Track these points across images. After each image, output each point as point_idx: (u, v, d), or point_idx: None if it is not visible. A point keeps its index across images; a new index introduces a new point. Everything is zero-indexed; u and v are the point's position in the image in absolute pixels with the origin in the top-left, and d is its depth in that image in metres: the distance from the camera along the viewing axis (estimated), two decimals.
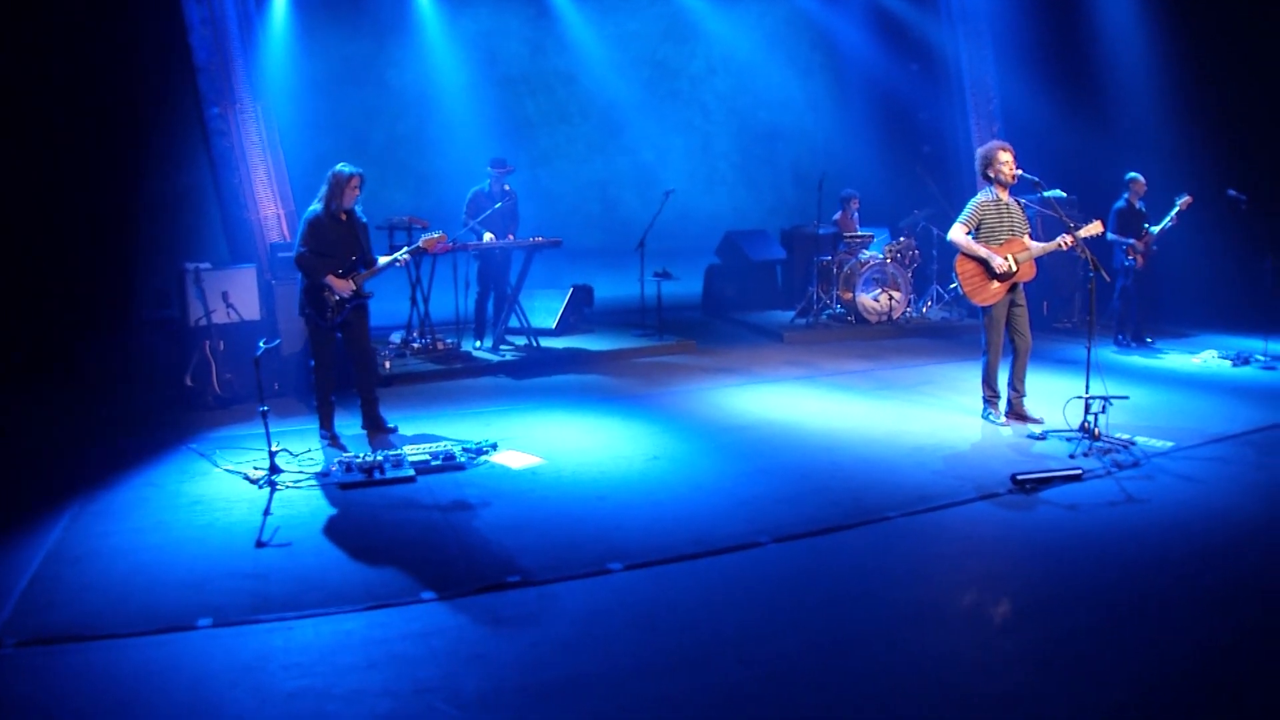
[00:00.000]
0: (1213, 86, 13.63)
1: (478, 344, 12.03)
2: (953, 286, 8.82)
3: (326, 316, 8.18)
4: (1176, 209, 11.72)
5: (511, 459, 7.90)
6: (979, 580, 5.79)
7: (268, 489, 7.10)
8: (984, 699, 4.41)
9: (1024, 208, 8.73)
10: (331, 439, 8.39)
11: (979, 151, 8.66)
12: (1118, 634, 5.01)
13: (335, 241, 8.18)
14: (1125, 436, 7.98)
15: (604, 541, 6.20)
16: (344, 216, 8.24)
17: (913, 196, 14.94)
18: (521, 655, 4.80)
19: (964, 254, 8.54)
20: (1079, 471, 7.24)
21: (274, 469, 7.31)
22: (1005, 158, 8.44)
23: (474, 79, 16.20)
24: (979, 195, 8.64)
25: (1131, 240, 11.91)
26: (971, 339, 12.78)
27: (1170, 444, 7.96)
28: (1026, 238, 8.56)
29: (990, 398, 8.78)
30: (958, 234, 8.55)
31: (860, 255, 13.46)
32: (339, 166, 8.20)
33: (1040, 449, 7.98)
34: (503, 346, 11.93)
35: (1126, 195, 12.02)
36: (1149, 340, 12.39)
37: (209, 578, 5.66)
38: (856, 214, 14.38)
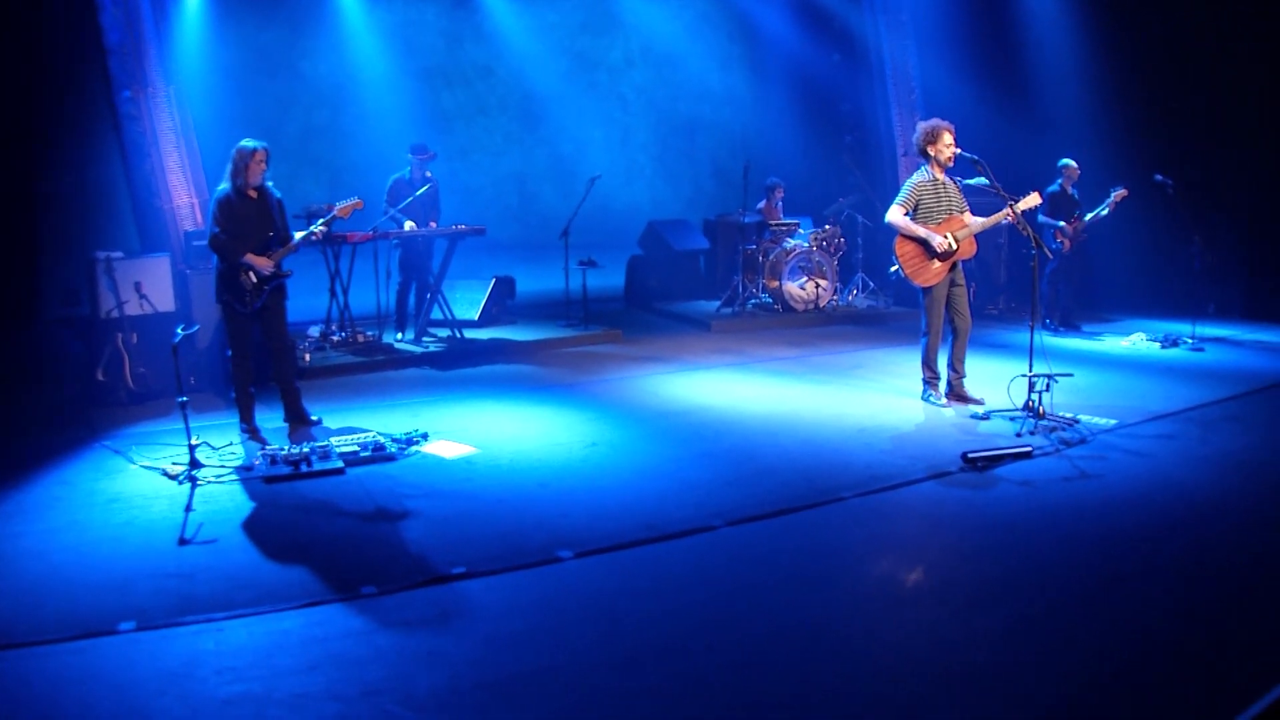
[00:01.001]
0: (1136, 74, 13.72)
1: (399, 336, 11.54)
2: (893, 270, 8.59)
3: (245, 301, 7.68)
4: (1111, 200, 11.69)
5: (444, 449, 7.49)
6: (943, 557, 5.57)
7: (188, 485, 6.60)
8: (960, 676, 4.18)
9: (959, 185, 8.55)
10: (252, 432, 7.88)
11: (921, 127, 8.43)
12: (1092, 606, 4.84)
13: (247, 220, 7.70)
14: (1069, 415, 7.86)
15: (549, 530, 5.84)
16: (254, 194, 7.76)
17: (836, 185, 14.79)
18: (475, 650, 4.42)
19: (903, 235, 8.34)
20: (1029, 449, 7.09)
21: (194, 464, 6.80)
22: (949, 139, 8.26)
23: (390, 70, 15.66)
24: (915, 176, 8.45)
25: (1061, 224, 11.89)
26: (899, 326, 12.75)
27: (1114, 421, 7.87)
28: (966, 214, 8.39)
29: (930, 379, 8.60)
30: (896, 215, 8.34)
31: (785, 244, 13.24)
32: (242, 142, 7.73)
33: (985, 428, 7.82)
34: (425, 338, 11.46)
35: (1060, 180, 12.02)
36: (1077, 324, 12.39)
37: (130, 579, 5.17)
38: (781, 203, 14.17)
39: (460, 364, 10.67)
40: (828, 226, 13.50)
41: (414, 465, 7.11)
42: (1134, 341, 11.47)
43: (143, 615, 4.73)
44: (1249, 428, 7.93)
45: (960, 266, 8.44)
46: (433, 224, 11.16)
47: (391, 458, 7.24)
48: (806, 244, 13.19)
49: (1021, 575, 5.20)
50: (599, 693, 4.09)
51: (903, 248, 8.35)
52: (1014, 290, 13.84)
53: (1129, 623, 4.66)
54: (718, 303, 13.73)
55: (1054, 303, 12.29)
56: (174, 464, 6.97)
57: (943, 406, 8.44)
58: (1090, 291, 13.36)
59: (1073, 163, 12.04)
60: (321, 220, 8.31)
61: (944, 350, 8.62)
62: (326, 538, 5.76)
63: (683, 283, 14.79)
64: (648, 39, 17.85)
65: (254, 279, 7.65)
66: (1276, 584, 5.12)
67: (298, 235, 8.01)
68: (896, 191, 14.41)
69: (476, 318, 12.38)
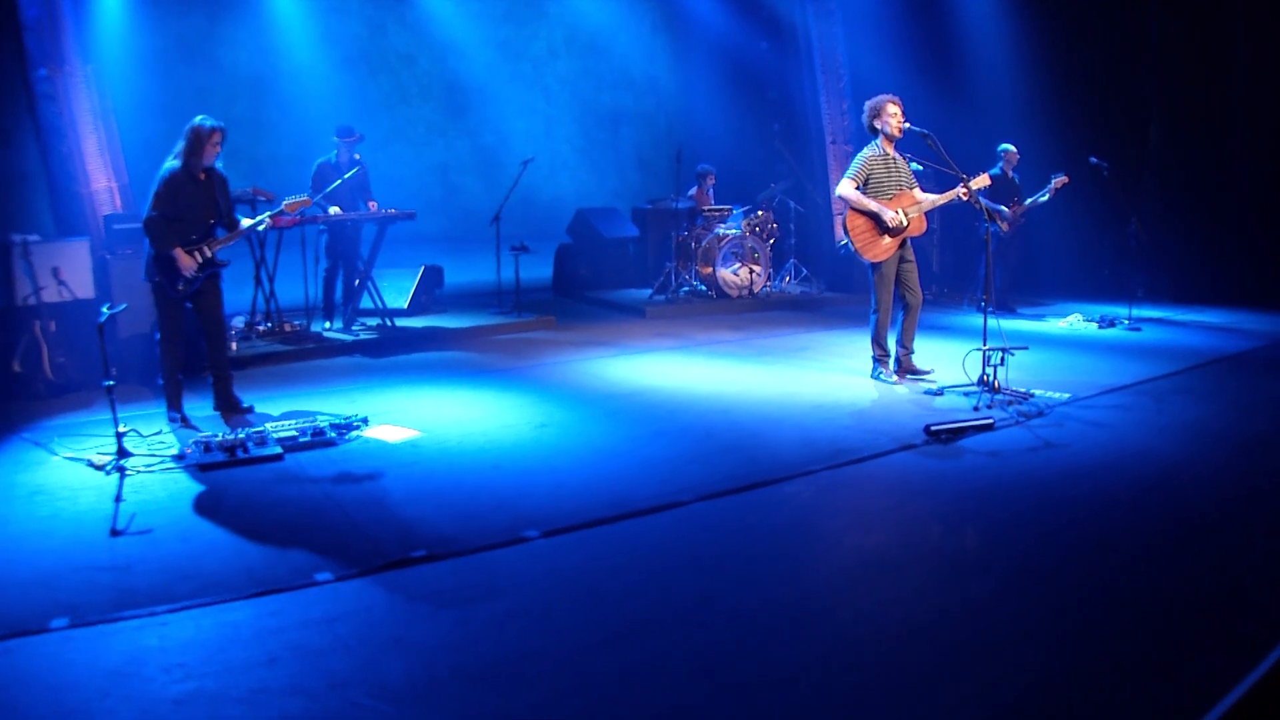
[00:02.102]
0: (1069, 57, 13.68)
1: (327, 325, 10.96)
2: (842, 244, 8.34)
3: (178, 287, 7.12)
4: (1051, 186, 11.58)
5: (386, 433, 7.02)
6: (924, 527, 5.29)
7: (116, 475, 6.03)
8: (959, 641, 3.91)
9: (909, 162, 8.32)
10: (182, 420, 7.32)
11: (868, 104, 8.20)
12: (1083, 568, 4.64)
13: (193, 203, 7.15)
14: (1023, 390, 7.69)
15: (509, 509, 5.45)
16: (202, 175, 7.22)
17: (766, 173, 14.51)
18: (449, 636, 4.02)
19: (854, 209, 8.08)
20: (990, 421, 6.92)
21: (122, 452, 6.22)
22: (894, 110, 8.03)
23: (312, 59, 14.96)
24: (865, 150, 8.20)
25: (1002, 208, 11.77)
26: (835, 310, 12.56)
27: (1067, 395, 7.75)
28: (916, 191, 8.16)
29: (880, 356, 8.35)
30: (847, 189, 8.08)
31: (718, 230, 12.94)
32: (198, 119, 7.16)
33: (942, 404, 7.60)
34: (355, 327, 10.92)
35: (1000, 164, 11.90)
36: (1012, 307, 12.30)
37: (59, 573, 4.65)
38: (712, 190, 13.86)
39: (393, 351, 10.17)
40: (760, 212, 13.24)
41: (356, 450, 6.64)
42: (1071, 322, 11.42)
43: (76, 611, 4.22)
44: (1200, 399, 7.86)
45: (909, 243, 8.22)
46: (373, 205, 10.60)
47: (332, 443, 6.75)
48: (739, 230, 12.92)
49: (1006, 543, 4.98)
50: (593, 672, 3.72)
51: (853, 221, 8.09)
52: (947, 275, 13.71)
53: (1121, 586, 4.46)
54: (649, 290, 13.38)
55: (990, 286, 12.15)
56: (100, 454, 6.40)
57: (894, 383, 8.21)
58: (1023, 275, 13.28)
59: (1012, 147, 11.94)
60: (270, 213, 7.79)
61: (892, 329, 8.38)
62: (271, 525, 5.28)
63: (613, 271, 14.41)
64: (572, 29, 17.41)
65: (198, 259, 7.12)
66: (1256, 543, 4.97)
67: (245, 222, 7.49)
68: (826, 179, 14.44)
69: (406, 306, 11.87)
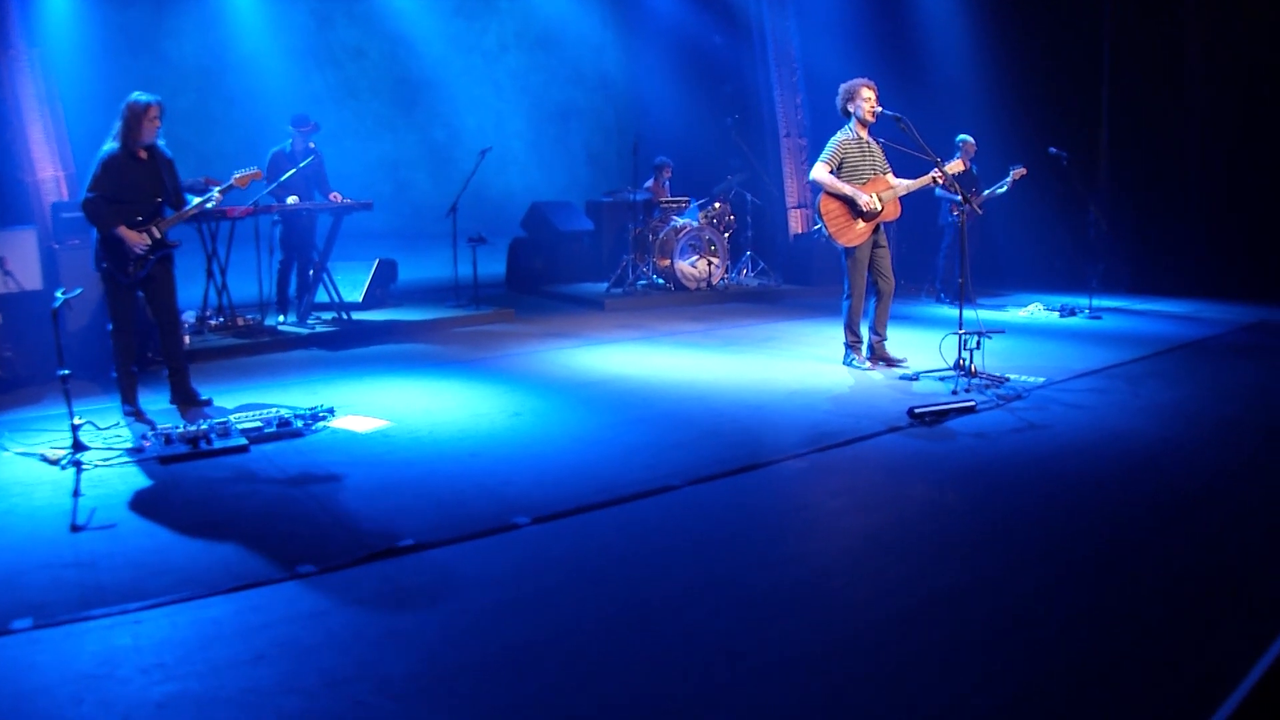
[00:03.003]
0: (1024, 48, 13.64)
1: (281, 319, 10.52)
2: (816, 228, 8.12)
3: (128, 270, 6.71)
4: (1009, 178, 11.47)
5: (354, 423, 6.68)
6: (924, 507, 5.07)
7: (72, 469, 5.63)
8: (983, 618, 3.66)
9: (883, 147, 8.14)
10: (137, 415, 6.90)
11: (841, 87, 7.99)
12: (1090, 544, 4.47)
13: (135, 183, 6.73)
14: (998, 374, 7.52)
15: (493, 497, 5.15)
16: (144, 154, 6.80)
17: (721, 167, 14.25)
18: (449, 628, 3.72)
19: (828, 193, 7.86)
20: (972, 403, 6.75)
21: (78, 446, 5.82)
22: (868, 94, 7.84)
23: (258, 52, 14.48)
24: (839, 134, 7.99)
25: (958, 198, 11.61)
26: (794, 302, 12.39)
27: (1042, 379, 7.63)
28: (890, 176, 7.98)
29: (852, 343, 8.15)
30: (821, 172, 7.87)
31: (675, 222, 12.69)
32: (133, 95, 6.74)
33: (919, 388, 7.43)
34: (310, 320, 10.50)
35: (958, 155, 11.74)
36: (971, 298, 12.15)
37: (19, 571, 4.26)
38: (669, 182, 13.59)
39: (352, 344, 9.80)
40: (717, 204, 13.01)
41: (325, 440, 6.29)
42: (1032, 311, 11.36)
43: (40, 611, 3.84)
44: (1173, 382, 7.79)
45: (883, 228, 8.04)
46: (335, 196, 10.16)
47: (299, 433, 6.40)
48: (696, 222, 12.68)
49: (1006, 521, 4.80)
50: (598, 662, 3.45)
51: (827, 205, 7.88)
52: (904, 266, 13.55)
53: (1128, 559, 4.30)
54: (605, 284, 13.08)
55: (948, 277, 12.08)
56: (54, 448, 5.98)
57: (867, 369, 8.01)
58: (980, 266, 13.20)
59: (970, 138, 11.82)
60: (219, 188, 7.35)
61: (865, 318, 8.22)
62: (243, 517, 4.92)
63: (568, 265, 14.09)
64: (522, 23, 17.08)
65: (148, 241, 6.71)
66: (1248, 518, 4.85)
67: (194, 200, 7.08)
68: (780, 172, 14.26)
69: (361, 299, 11.46)
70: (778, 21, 13.45)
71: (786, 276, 13.56)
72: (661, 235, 12.61)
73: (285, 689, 3.25)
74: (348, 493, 5.26)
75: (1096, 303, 11.38)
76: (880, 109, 7.81)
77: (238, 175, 7.36)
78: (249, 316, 10.14)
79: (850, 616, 3.80)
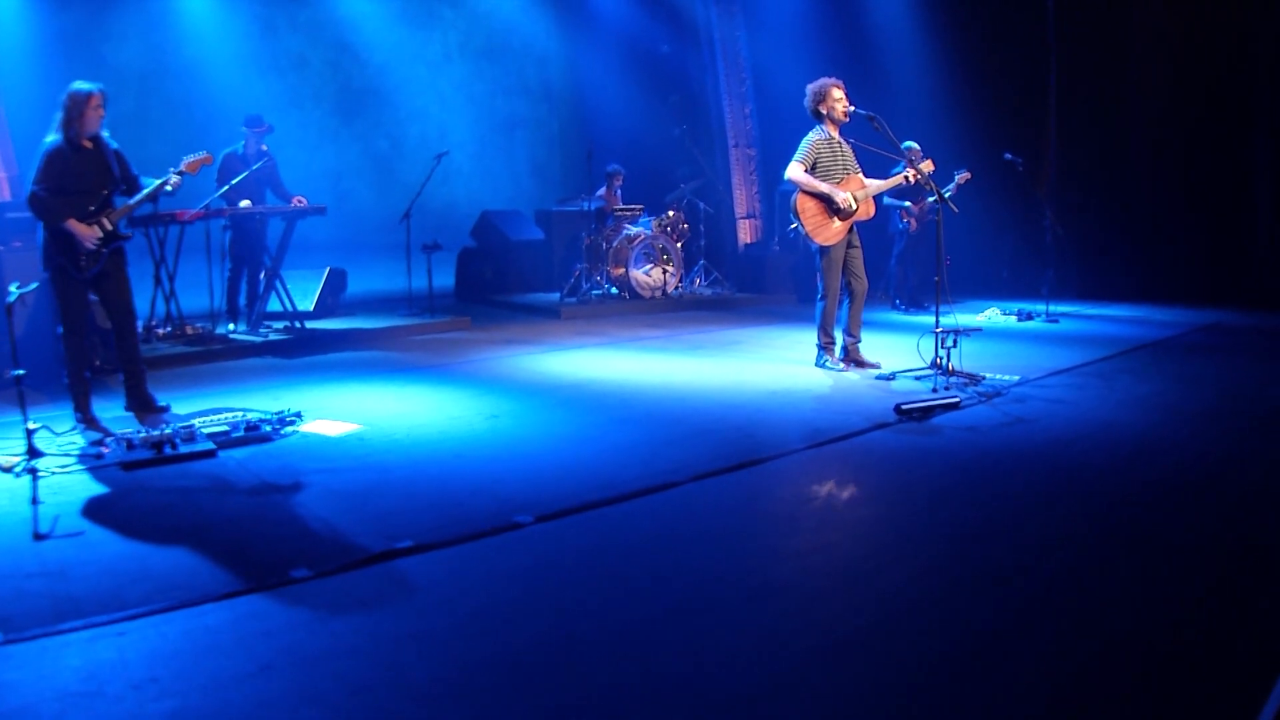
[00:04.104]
0: (972, 56, 13.61)
1: (231, 327, 10.02)
2: (792, 227, 7.91)
3: (81, 265, 6.25)
4: (955, 183, 11.37)
5: (325, 427, 6.27)
6: (932, 498, 4.86)
7: (28, 476, 5.16)
8: (1019, 605, 3.43)
9: (854, 147, 7.97)
10: (90, 422, 6.39)
11: (810, 88, 7.82)
12: (1106, 529, 4.32)
13: (81, 174, 6.28)
14: (974, 373, 7.39)
15: (487, 497, 4.82)
16: (89, 144, 6.36)
17: (670, 178, 13.97)
18: (468, 628, 3.38)
19: (804, 191, 7.66)
20: (957, 399, 6.59)
21: (33, 452, 5.35)
22: (838, 95, 7.68)
23: (199, 58, 13.87)
24: (811, 134, 7.81)
25: (907, 204, 11.54)
26: (752, 310, 12.22)
27: (1017, 377, 7.50)
28: (860, 176, 7.82)
29: (826, 344, 7.94)
30: (796, 171, 7.67)
31: (628, 230, 12.41)
32: (75, 85, 6.34)
33: (898, 387, 7.24)
34: (262, 329, 10.01)
35: (903, 163, 11.61)
36: (924, 304, 12.06)
37: None
38: (620, 190, 13.31)
39: (307, 351, 9.34)
40: (671, 212, 12.75)
41: (296, 444, 5.89)
42: (989, 316, 11.28)
43: (8, 624, 3.43)
44: (1144, 378, 7.73)
45: (856, 228, 7.86)
46: (300, 200, 9.66)
47: (268, 437, 5.98)
48: (650, 230, 12.42)
49: (1016, 510, 4.64)
50: (651, 648, 3.15)
51: (804, 204, 7.68)
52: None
53: (1148, 541, 4.16)
54: (558, 294, 12.72)
55: (902, 284, 11.98)
56: (6, 455, 5.50)
57: (841, 371, 7.80)
58: (929, 273, 13.08)
59: (915, 145, 11.70)
60: (174, 170, 6.91)
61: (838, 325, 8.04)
62: (221, 521, 4.51)
63: (518, 274, 13.73)
64: (466, 33, 16.65)
65: (99, 234, 6.26)
66: (1252, 500, 4.75)
67: (152, 183, 6.65)
68: (729, 182, 14.06)
69: (312, 308, 11.00)
70: (727, 31, 13.30)
71: (738, 285, 13.36)
72: (615, 244, 12.32)
73: (302, 699, 2.90)
74: (330, 495, 4.88)
75: (1053, 308, 11.32)
76: (852, 108, 7.66)
77: (187, 160, 6.97)
78: (198, 325, 9.64)
79: (885, 603, 3.54)
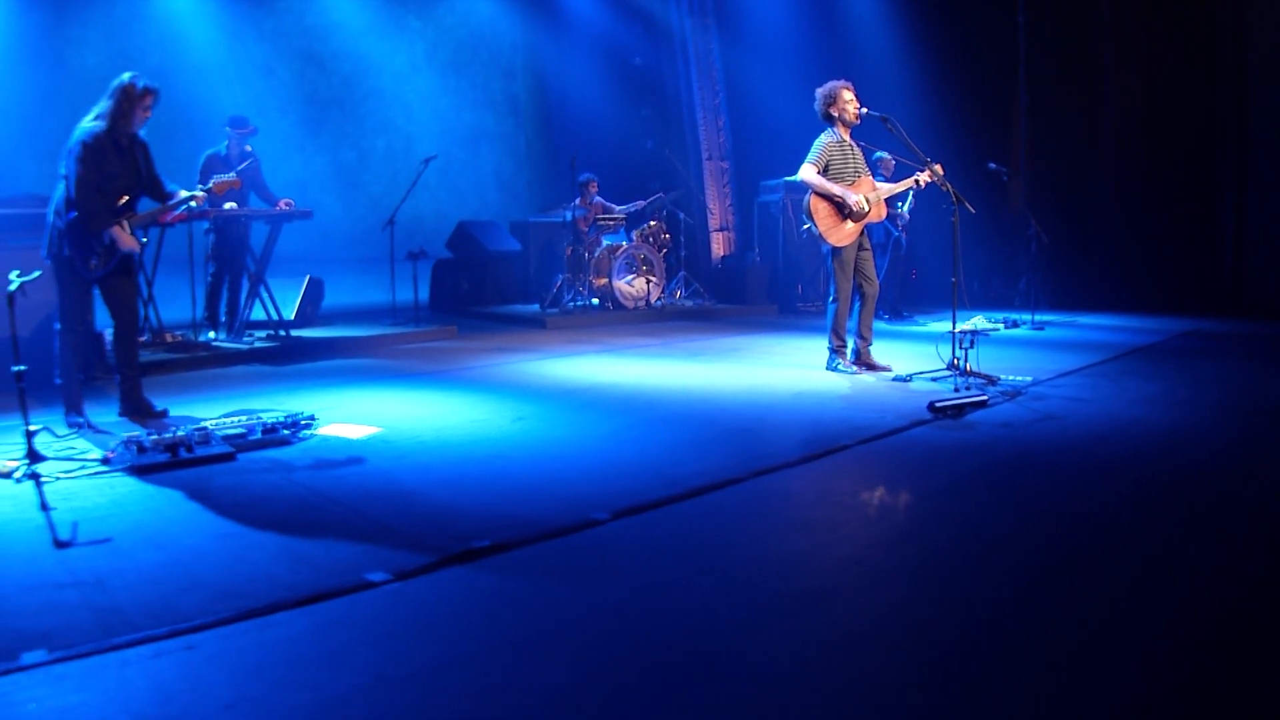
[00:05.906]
0: (947, 64, 13.42)
1: (212, 334, 9.40)
2: (805, 227, 7.61)
3: (91, 263, 5.68)
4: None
5: (344, 430, 5.76)
6: (995, 490, 4.56)
7: (30, 482, 4.61)
8: (1102, 587, 3.10)
9: (864, 150, 7.70)
10: (85, 425, 5.83)
11: (819, 91, 7.56)
12: (1165, 517, 4.07)
13: (116, 173, 5.76)
14: (989, 374, 7.13)
15: (548, 495, 4.37)
16: (125, 142, 5.84)
17: (642, 189, 13.58)
18: (589, 630, 2.94)
19: (817, 193, 7.36)
20: (985, 397, 6.34)
21: (34, 456, 4.80)
22: (849, 96, 7.43)
23: (164, 66, 13.15)
24: (823, 136, 7.55)
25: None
26: (737, 320, 11.93)
27: (1030, 378, 7.23)
28: (870, 178, 7.57)
29: (838, 347, 7.61)
30: (809, 173, 7.39)
31: (608, 240, 12.00)
32: (127, 77, 5.85)
33: (917, 388, 6.93)
34: (245, 337, 9.40)
35: (882, 174, 11.39)
36: (906, 314, 11.80)
37: (4, 596, 3.28)
38: (596, 197, 12.89)
39: (296, 359, 8.78)
40: (652, 223, 12.36)
41: (318, 446, 5.37)
42: (975, 324, 11.02)
43: (49, 640, 2.90)
44: (1150, 378, 7.51)
45: (866, 231, 7.59)
46: (288, 203, 9.11)
47: (286, 440, 5.45)
48: (631, 240, 12.03)
49: (1076, 502, 4.36)
50: (776, 643, 2.72)
51: (817, 206, 7.40)
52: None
53: (1217, 521, 3.96)
54: (536, 305, 12.26)
55: (884, 295, 11.69)
56: (5, 460, 4.91)
57: (855, 373, 7.48)
58: (903, 283, 12.87)
59: (887, 155, 11.47)
60: (201, 187, 6.44)
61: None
62: (263, 525, 3.99)
63: (496, 286, 13.22)
64: (433, 45, 16.17)
65: (138, 246, 5.78)
66: None
67: (181, 193, 6.14)
68: (703, 194, 13.73)
69: (292, 317, 10.40)
70: (701, 43, 12.99)
71: (718, 296, 13.02)
72: (597, 254, 11.90)
73: (434, 714, 2.42)
74: (372, 497, 4.38)
75: (1038, 316, 11.14)
76: (864, 110, 7.41)
77: (216, 180, 6.58)
78: (179, 333, 9.03)
79: (1017, 580, 3.18)
